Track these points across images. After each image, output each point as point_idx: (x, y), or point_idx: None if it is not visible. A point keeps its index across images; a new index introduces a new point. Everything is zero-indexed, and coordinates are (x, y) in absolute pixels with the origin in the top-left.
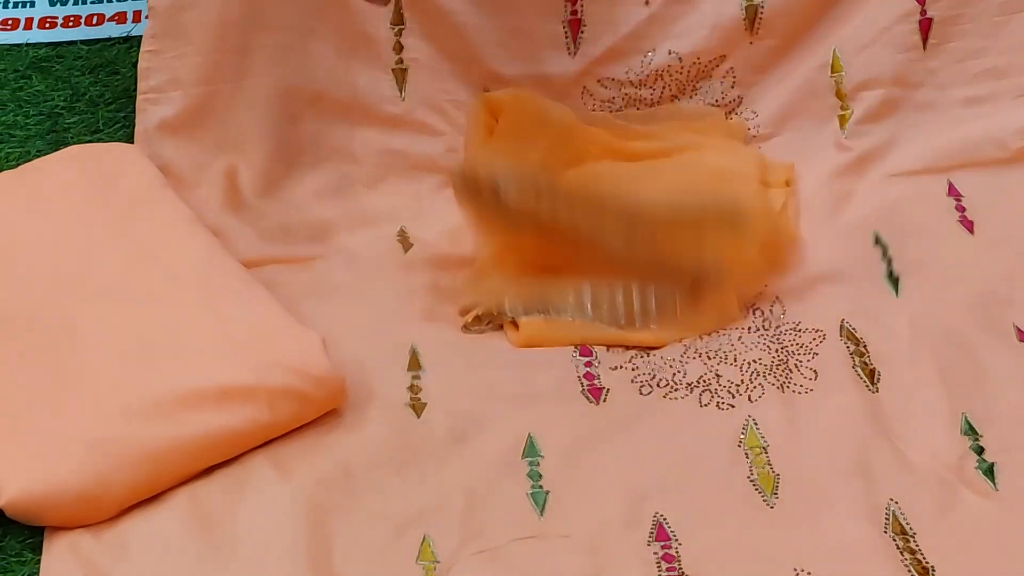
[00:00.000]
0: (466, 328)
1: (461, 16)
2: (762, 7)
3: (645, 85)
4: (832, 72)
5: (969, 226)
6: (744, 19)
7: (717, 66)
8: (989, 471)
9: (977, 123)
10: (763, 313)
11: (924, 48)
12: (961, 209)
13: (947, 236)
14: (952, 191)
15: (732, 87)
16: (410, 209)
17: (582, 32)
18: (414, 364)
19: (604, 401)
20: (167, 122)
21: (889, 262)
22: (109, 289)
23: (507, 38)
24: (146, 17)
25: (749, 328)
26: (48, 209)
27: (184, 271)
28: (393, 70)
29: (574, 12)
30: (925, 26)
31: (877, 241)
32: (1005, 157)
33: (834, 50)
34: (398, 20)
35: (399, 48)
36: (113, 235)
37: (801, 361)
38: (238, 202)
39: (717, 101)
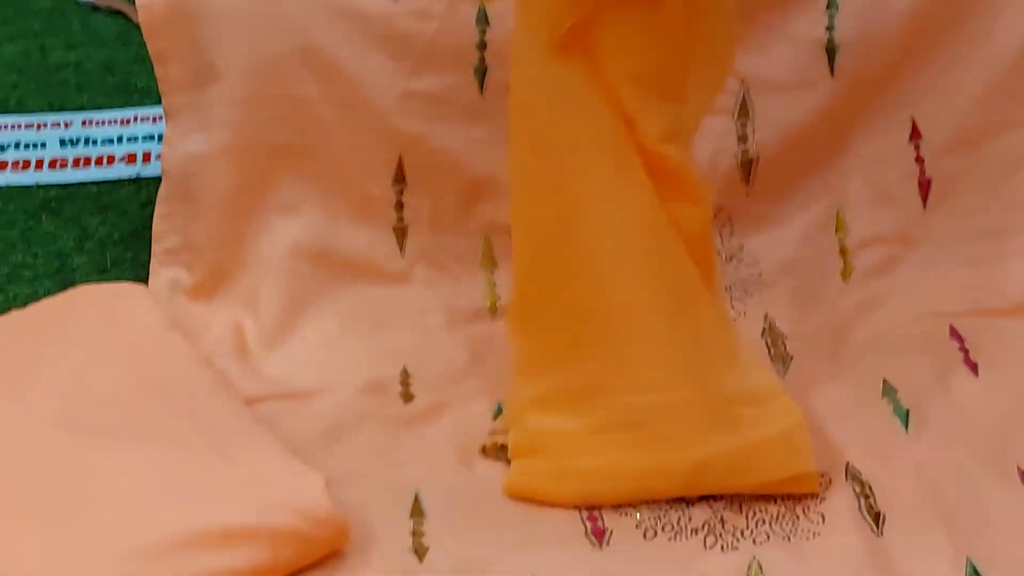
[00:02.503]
0: (484, 452)
1: (466, 171)
2: (756, 160)
3: None
4: (837, 231)
5: (973, 368)
6: (739, 170)
7: (715, 216)
8: None
9: (978, 273)
10: None
11: (924, 207)
12: (964, 351)
13: (952, 377)
14: (954, 334)
15: (731, 236)
16: (413, 348)
17: None
18: (416, 509)
19: (607, 544)
20: (179, 285)
21: (897, 402)
22: (114, 429)
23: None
24: (157, 158)
25: None
26: (54, 349)
27: (189, 411)
28: (394, 228)
29: None
30: (925, 186)
31: (883, 382)
32: (1005, 308)
33: (838, 211)
34: (399, 178)
35: (400, 207)
36: (119, 375)
37: (809, 506)
38: (244, 352)
39: (718, 250)
